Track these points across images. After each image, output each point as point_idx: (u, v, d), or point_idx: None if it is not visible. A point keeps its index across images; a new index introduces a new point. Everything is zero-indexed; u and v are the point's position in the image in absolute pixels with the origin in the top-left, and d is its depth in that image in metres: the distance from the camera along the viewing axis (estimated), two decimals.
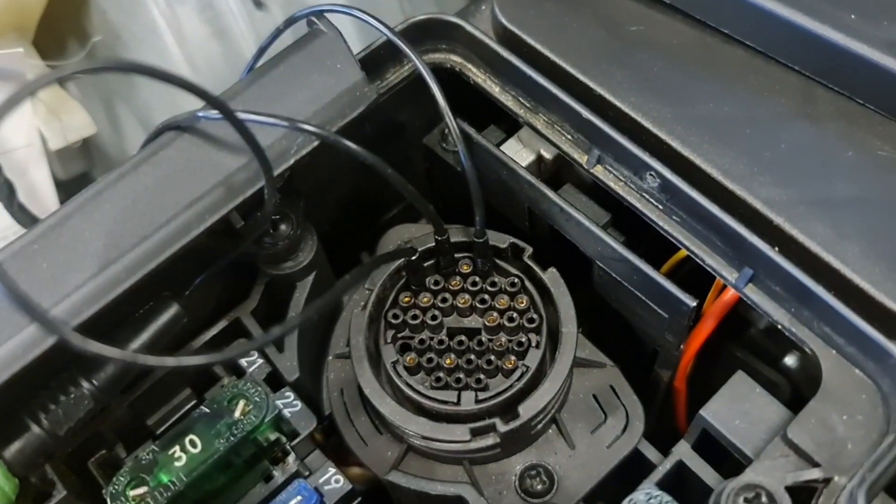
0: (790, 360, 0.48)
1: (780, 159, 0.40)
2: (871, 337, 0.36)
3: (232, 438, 0.39)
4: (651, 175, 0.40)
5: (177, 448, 0.39)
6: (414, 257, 0.41)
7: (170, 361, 0.31)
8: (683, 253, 0.44)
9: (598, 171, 0.42)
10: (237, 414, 0.39)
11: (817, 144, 0.40)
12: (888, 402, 0.36)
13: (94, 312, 0.37)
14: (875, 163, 0.40)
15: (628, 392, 0.44)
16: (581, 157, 0.42)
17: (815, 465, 0.36)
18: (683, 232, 0.40)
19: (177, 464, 0.38)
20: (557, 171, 0.47)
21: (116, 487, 0.38)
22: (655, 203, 0.41)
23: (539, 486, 0.42)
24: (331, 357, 0.46)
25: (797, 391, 0.47)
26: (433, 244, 0.43)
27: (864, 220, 0.38)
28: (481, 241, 0.41)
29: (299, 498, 0.39)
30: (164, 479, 0.38)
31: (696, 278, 0.43)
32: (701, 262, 0.40)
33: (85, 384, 0.39)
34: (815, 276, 0.37)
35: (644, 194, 0.41)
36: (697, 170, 0.40)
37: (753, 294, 0.39)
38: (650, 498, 0.34)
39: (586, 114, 0.41)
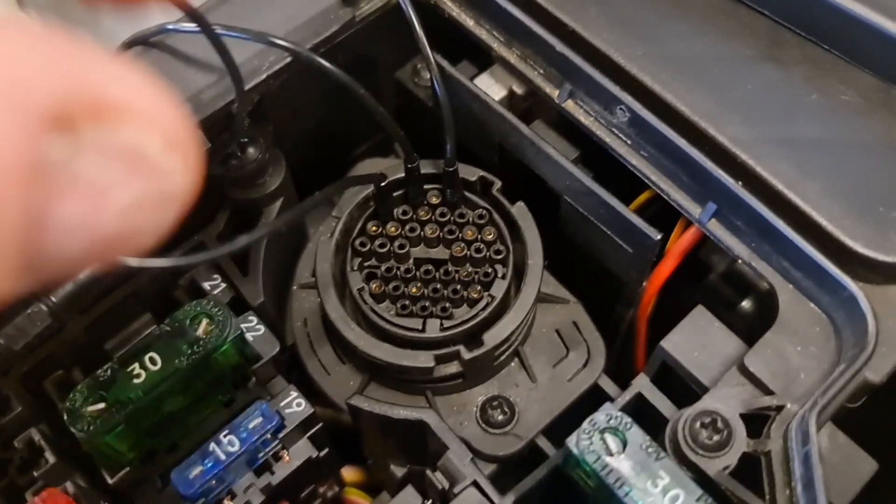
0: (746, 304, 0.49)
1: (747, 99, 0.41)
2: (827, 270, 0.37)
3: (193, 357, 0.38)
4: (621, 109, 0.40)
5: (136, 365, 0.38)
6: (383, 183, 0.41)
7: (132, 262, 0.30)
8: (648, 194, 0.45)
9: (569, 105, 0.42)
10: (199, 332, 0.38)
11: (783, 87, 0.41)
12: (840, 334, 0.37)
13: None
14: (838, 106, 0.41)
15: (591, 328, 0.45)
16: (552, 92, 0.43)
17: (770, 392, 0.37)
18: (650, 167, 0.41)
19: (136, 381, 0.38)
20: (528, 108, 0.47)
21: (73, 403, 0.37)
22: (624, 138, 0.41)
23: (500, 417, 0.43)
24: (295, 287, 0.46)
25: (752, 334, 0.48)
26: (403, 175, 0.43)
27: (825, 160, 0.39)
28: (451, 169, 0.41)
29: (260, 419, 0.39)
30: (123, 396, 0.38)
31: (660, 220, 0.43)
32: (666, 198, 0.41)
33: (43, 299, 0.38)
34: (776, 213, 0.38)
35: (613, 129, 0.41)
36: (667, 106, 0.40)
37: (716, 229, 0.40)
38: (610, 418, 0.35)
39: (560, 47, 0.41)
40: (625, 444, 0.35)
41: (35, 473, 0.37)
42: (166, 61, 0.40)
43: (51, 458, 0.38)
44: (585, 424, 0.35)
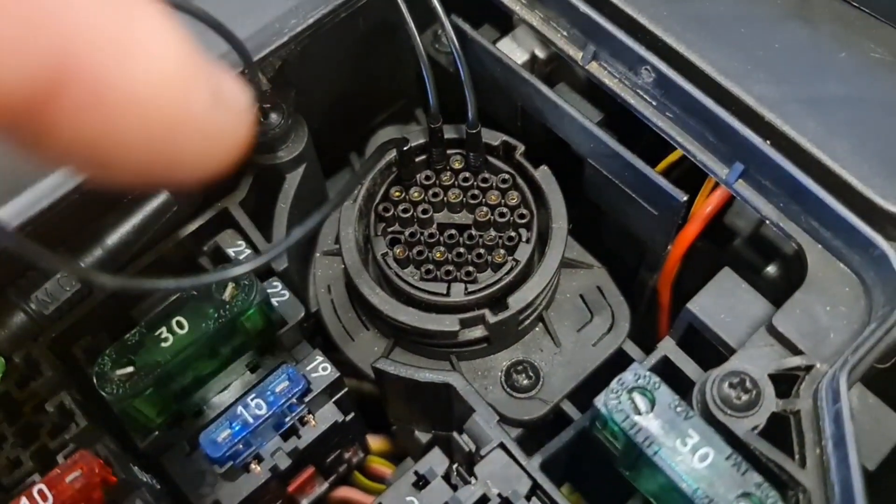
0: (771, 270, 0.48)
1: (774, 58, 0.40)
2: (857, 228, 0.36)
3: (220, 321, 0.38)
4: (646, 70, 0.40)
5: (163, 329, 0.38)
6: (406, 147, 0.41)
7: (212, 277, 0.30)
8: (673, 157, 0.45)
9: (593, 67, 0.42)
10: (226, 297, 0.39)
11: (811, 45, 0.41)
12: (870, 293, 0.37)
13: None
14: (868, 64, 0.40)
15: (615, 293, 0.45)
16: (576, 54, 0.42)
17: (799, 353, 0.37)
18: (676, 128, 0.40)
19: (163, 345, 0.38)
20: (551, 72, 0.46)
21: (102, 367, 0.38)
22: (649, 99, 0.41)
23: (525, 381, 0.43)
24: (318, 254, 0.46)
25: (778, 300, 0.47)
26: (426, 139, 0.42)
27: (854, 118, 0.39)
28: (474, 131, 0.41)
29: (286, 383, 0.39)
30: (151, 359, 0.38)
31: (684, 185, 0.43)
32: (692, 159, 0.40)
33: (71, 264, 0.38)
34: (805, 172, 0.37)
35: (638, 91, 0.41)
36: (692, 67, 0.40)
37: (743, 189, 0.39)
38: (638, 377, 0.35)
39: (583, 7, 0.41)
40: (653, 403, 0.35)
41: (66, 436, 0.38)
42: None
43: (81, 421, 0.38)
44: (613, 384, 0.35)
